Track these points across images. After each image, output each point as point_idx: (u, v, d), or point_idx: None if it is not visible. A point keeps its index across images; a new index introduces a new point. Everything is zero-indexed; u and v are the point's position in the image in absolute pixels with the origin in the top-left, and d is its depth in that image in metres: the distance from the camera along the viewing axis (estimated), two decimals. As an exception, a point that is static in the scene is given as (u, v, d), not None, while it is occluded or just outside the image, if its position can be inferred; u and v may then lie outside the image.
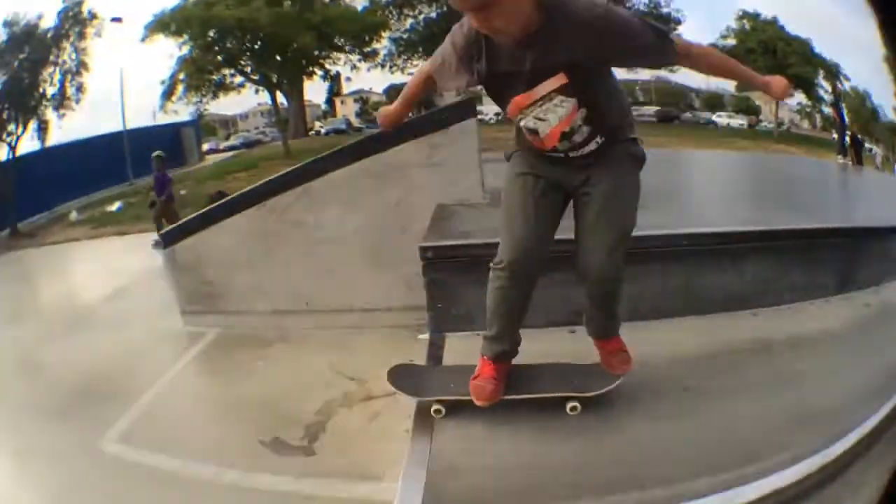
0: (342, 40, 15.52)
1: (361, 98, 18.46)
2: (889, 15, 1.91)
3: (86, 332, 6.06)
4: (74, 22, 15.92)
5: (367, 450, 2.95)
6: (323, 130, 18.04)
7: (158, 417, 3.87)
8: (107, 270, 8.99)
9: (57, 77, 16.04)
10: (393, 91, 18.05)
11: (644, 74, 11.46)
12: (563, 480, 2.02)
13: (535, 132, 2.13)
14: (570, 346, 2.83)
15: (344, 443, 3.09)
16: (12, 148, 15.78)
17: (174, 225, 5.79)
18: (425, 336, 3.52)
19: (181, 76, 15.29)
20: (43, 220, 15.87)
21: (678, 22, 12.81)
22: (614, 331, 2.48)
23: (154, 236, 9.98)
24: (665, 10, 12.83)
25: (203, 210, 5.49)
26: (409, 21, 15.77)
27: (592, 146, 2.14)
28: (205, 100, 15.55)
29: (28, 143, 15.97)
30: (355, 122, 18.44)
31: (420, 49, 16.07)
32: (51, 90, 15.93)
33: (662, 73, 11.65)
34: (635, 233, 2.25)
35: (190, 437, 3.47)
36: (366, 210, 4.41)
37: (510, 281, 2.21)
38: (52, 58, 16.06)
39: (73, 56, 16.05)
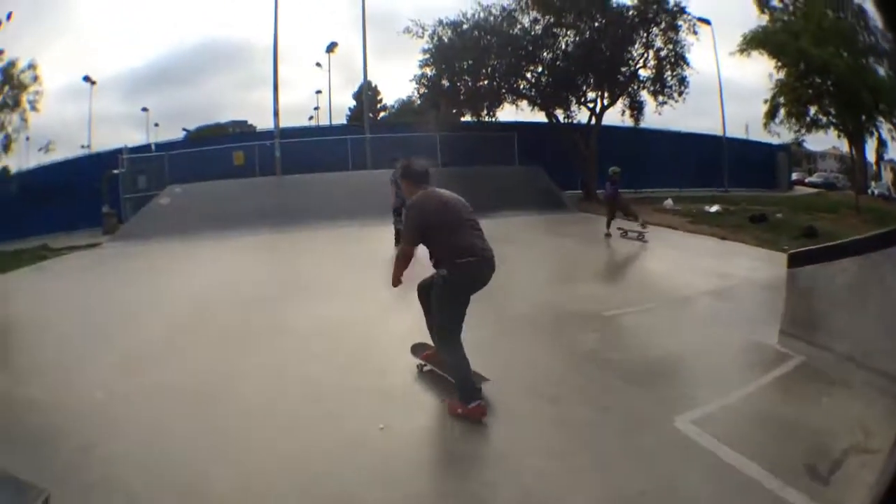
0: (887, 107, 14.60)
1: (893, 168, 17.02)
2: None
3: (690, 315, 6.96)
4: (660, 10, 17.91)
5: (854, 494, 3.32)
6: (876, 192, 17.57)
7: (735, 416, 4.32)
8: (708, 267, 9.41)
9: (652, 61, 18.28)
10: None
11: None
12: None
13: None
14: None
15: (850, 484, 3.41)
16: (594, 115, 18.63)
17: (806, 248, 6.13)
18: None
19: (780, 99, 16.08)
20: (633, 195, 16.40)
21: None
22: (459, 395, 4.17)
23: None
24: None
25: (833, 243, 5.78)
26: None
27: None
28: (802, 130, 16.19)
29: (615, 117, 18.63)
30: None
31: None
32: (644, 73, 18.40)
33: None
34: None
35: (757, 443, 3.84)
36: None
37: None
38: (639, 38, 17.98)
39: (670, 45, 18.11)
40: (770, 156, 19.08)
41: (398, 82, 35.66)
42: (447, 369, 4.42)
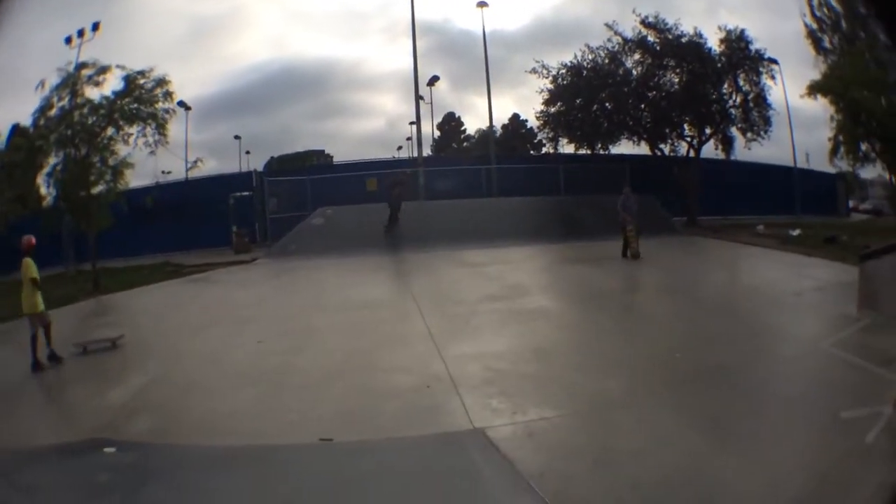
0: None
1: None
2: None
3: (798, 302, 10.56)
4: (744, 56, 20.41)
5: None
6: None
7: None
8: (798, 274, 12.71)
9: (739, 101, 20.69)
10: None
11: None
12: None
13: None
14: None
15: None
16: (692, 147, 21.43)
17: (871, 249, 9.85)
18: None
19: (840, 137, 18.60)
20: (723, 222, 19.99)
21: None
22: None
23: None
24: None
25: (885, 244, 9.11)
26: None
27: None
28: (857, 164, 19.38)
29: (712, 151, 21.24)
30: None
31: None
32: (733, 112, 20.73)
33: None
34: None
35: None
36: None
37: None
38: (727, 80, 20.45)
39: (753, 87, 20.65)
40: (831, 184, 22.23)
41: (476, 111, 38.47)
42: None
